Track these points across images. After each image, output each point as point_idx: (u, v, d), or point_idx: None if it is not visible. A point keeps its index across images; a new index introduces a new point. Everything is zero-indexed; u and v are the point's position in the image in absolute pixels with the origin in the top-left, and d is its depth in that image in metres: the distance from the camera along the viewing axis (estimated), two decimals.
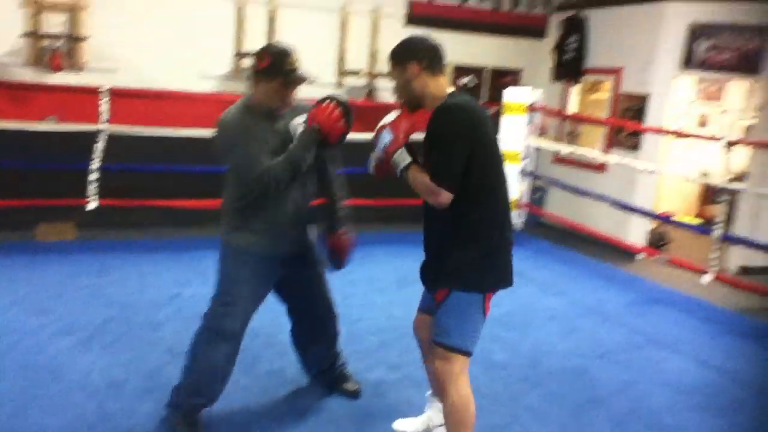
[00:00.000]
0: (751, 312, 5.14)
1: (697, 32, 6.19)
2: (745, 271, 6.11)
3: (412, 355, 3.83)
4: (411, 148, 2.50)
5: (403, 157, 2.46)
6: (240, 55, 6.30)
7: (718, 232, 5.12)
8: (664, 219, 6.46)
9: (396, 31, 6.93)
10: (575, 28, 7.20)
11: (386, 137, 2.48)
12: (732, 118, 8.33)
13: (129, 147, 5.66)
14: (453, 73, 7.15)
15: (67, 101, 5.66)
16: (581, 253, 6.53)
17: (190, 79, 6.16)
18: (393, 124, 2.50)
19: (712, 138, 6.07)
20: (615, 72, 6.79)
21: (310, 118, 2.73)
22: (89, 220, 5.72)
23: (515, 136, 6.72)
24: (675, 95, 6.87)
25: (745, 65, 6.17)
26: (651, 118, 6.39)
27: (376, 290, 4.98)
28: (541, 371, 3.80)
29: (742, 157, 6.99)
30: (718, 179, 5.73)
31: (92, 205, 5.51)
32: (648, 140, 6.41)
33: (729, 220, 5.37)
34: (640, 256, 6.31)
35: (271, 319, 3.41)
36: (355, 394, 3.32)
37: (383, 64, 6.65)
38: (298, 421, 3.10)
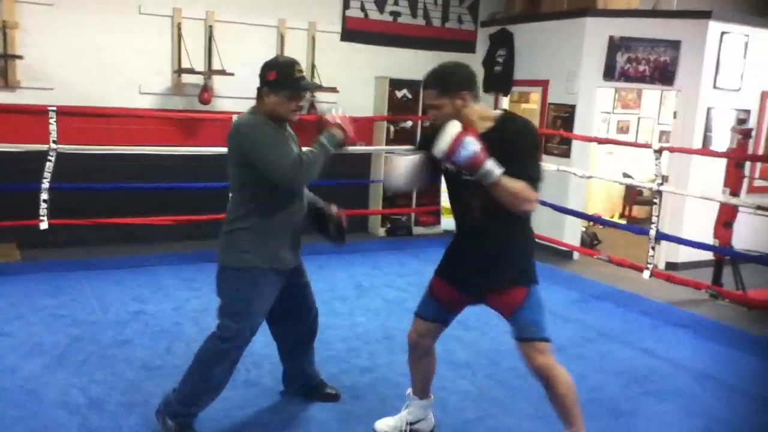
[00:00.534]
0: (683, 304, 5.50)
1: (616, 45, 6.62)
2: (672, 266, 6.54)
3: (381, 358, 3.98)
4: None
5: (495, 166, 2.45)
6: (179, 71, 6.26)
7: (653, 231, 5.48)
8: (599, 220, 6.82)
9: (333, 46, 7.08)
10: (503, 42, 7.49)
11: (472, 146, 2.41)
12: (648, 124, 8.91)
13: (72, 166, 5.58)
14: (389, 86, 7.32)
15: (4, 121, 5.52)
16: None
17: (130, 96, 6.08)
18: (474, 135, 2.46)
19: (644, 145, 6.48)
20: (542, 84, 7.13)
21: (328, 124, 2.82)
22: (32, 240, 5.54)
23: None
24: (598, 105, 7.27)
25: (659, 76, 6.64)
26: (578, 127, 6.74)
27: (338, 298, 5.06)
28: (503, 368, 3.96)
29: (663, 162, 7.47)
30: (646, 182, 6.12)
31: (44, 225, 5.36)
32: (577, 147, 6.76)
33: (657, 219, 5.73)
34: (577, 256, 6.64)
35: None
36: (335, 398, 3.40)
37: (322, 79, 6.79)
38: (284, 429, 3.13)
